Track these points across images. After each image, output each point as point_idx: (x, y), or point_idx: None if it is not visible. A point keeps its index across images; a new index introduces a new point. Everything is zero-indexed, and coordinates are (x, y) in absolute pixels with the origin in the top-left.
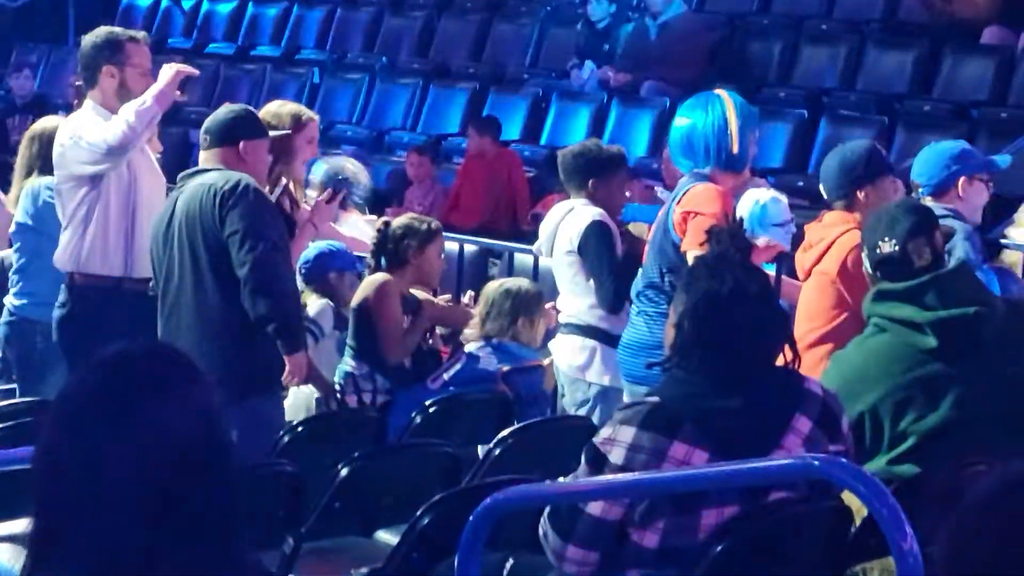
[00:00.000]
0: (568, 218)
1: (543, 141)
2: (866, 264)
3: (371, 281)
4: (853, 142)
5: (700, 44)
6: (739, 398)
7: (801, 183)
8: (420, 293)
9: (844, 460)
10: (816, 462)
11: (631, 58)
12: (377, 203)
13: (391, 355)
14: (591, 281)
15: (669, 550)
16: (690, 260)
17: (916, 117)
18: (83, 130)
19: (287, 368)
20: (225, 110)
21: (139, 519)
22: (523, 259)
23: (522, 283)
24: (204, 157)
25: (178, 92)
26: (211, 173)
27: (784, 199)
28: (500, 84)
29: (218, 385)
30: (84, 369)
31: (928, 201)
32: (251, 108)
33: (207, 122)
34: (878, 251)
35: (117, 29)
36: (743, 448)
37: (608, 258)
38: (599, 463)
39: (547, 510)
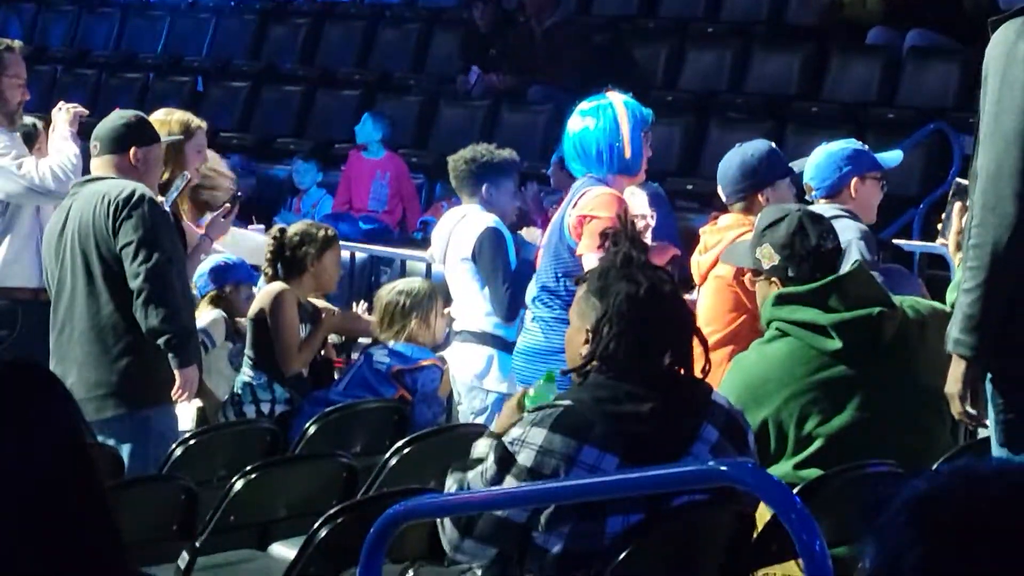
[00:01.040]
0: (461, 224)
1: (431, 147)
2: (759, 264)
3: (268, 291)
4: (752, 143)
5: (585, 48)
6: (650, 404)
7: (691, 187)
8: (319, 302)
9: (751, 464)
10: (724, 467)
11: (517, 62)
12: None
13: (289, 365)
14: (486, 288)
15: (573, 554)
16: (586, 264)
17: (805, 118)
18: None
19: (177, 382)
20: (116, 116)
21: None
22: (415, 266)
23: (414, 283)
24: (96, 164)
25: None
26: (105, 182)
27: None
28: (386, 91)
29: (110, 396)
30: None
31: (822, 203)
32: (142, 114)
33: (97, 129)
34: (763, 258)
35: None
36: (652, 455)
37: (503, 265)
38: (507, 463)
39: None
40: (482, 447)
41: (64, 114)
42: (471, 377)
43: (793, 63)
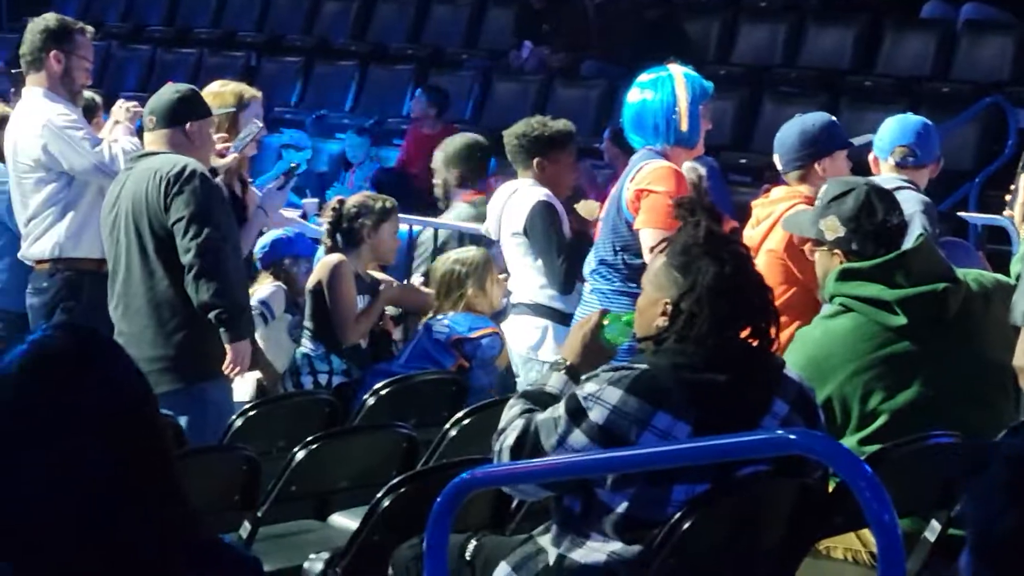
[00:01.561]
0: (513, 199)
1: (484, 122)
2: (821, 235)
3: (325, 262)
4: (811, 114)
5: (638, 22)
6: (726, 375)
7: (744, 160)
8: (378, 274)
9: (823, 435)
10: (794, 436)
11: (570, 37)
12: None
13: (345, 336)
14: (539, 261)
15: (635, 519)
16: (643, 238)
17: (859, 93)
18: (73, 128)
19: (228, 356)
20: (170, 90)
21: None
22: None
23: (468, 252)
24: (150, 139)
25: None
26: (157, 157)
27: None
28: (439, 66)
29: (167, 371)
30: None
31: (887, 171)
32: (195, 88)
33: (151, 103)
34: (827, 230)
35: (67, 17)
36: (723, 426)
37: (556, 239)
38: (579, 417)
39: (508, 438)
40: (555, 380)
41: (124, 112)
42: (526, 349)
43: (847, 37)
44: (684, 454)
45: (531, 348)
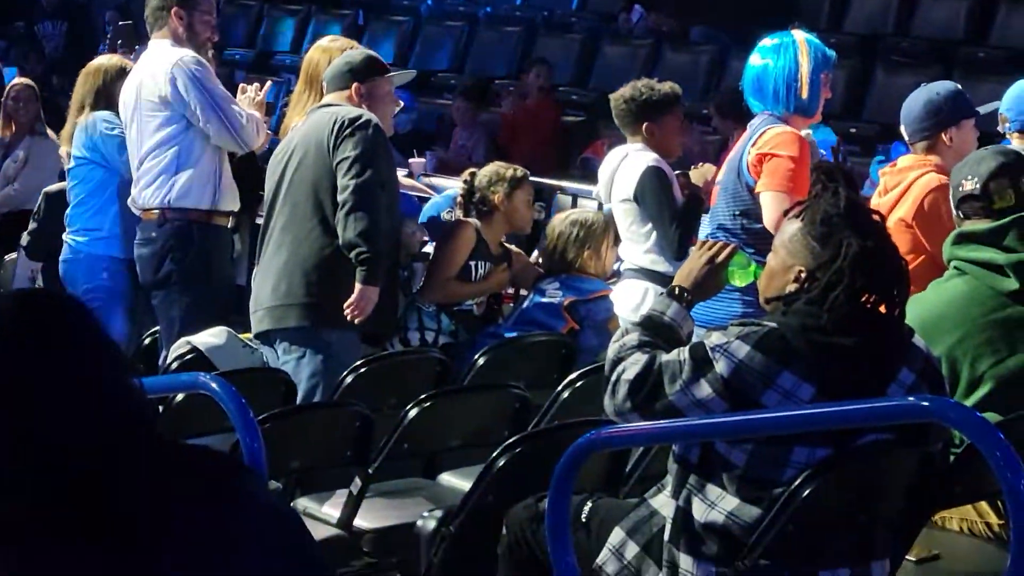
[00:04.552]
0: (624, 165)
1: (592, 85)
2: (952, 204)
3: (454, 224)
4: (937, 83)
5: None
6: (855, 340)
7: (855, 129)
8: (515, 250)
9: (956, 402)
10: (926, 403)
11: (679, 2)
12: (422, 144)
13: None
14: (648, 227)
15: (753, 477)
16: (763, 202)
17: (972, 63)
18: (204, 73)
19: (354, 296)
20: (343, 56)
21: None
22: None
23: (587, 214)
24: (328, 99)
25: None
26: (340, 107)
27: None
28: (548, 28)
29: (295, 307)
30: None
31: (1016, 137)
32: (367, 52)
33: (325, 73)
34: (960, 189)
35: None
36: (849, 390)
37: (668, 204)
38: (704, 367)
39: (628, 371)
40: (673, 311)
41: (248, 96)
42: (628, 311)
43: (960, 8)
44: (814, 418)
45: (631, 310)
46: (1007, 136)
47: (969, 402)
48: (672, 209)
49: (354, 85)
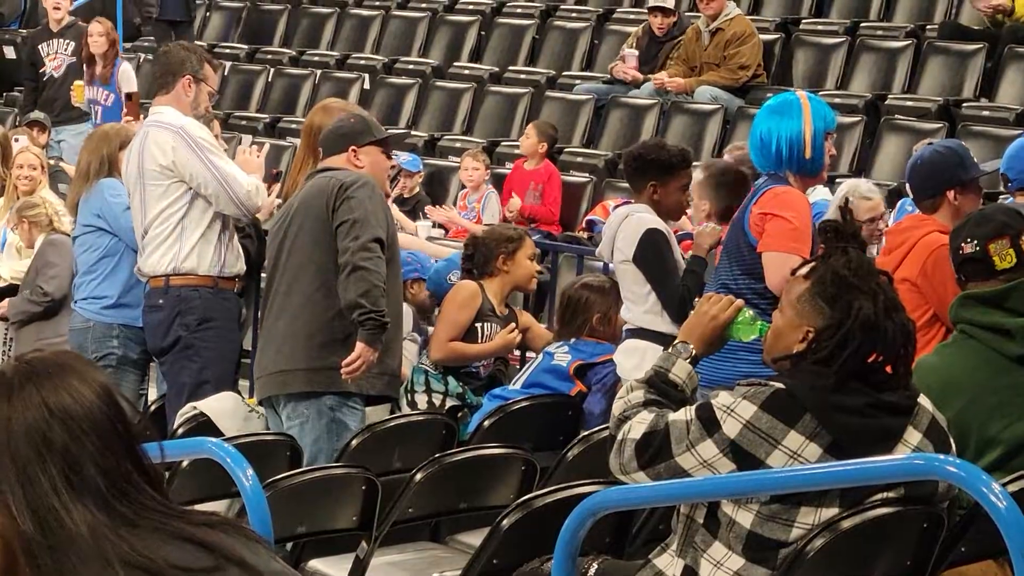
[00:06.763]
0: (623, 226)
1: (600, 147)
2: (953, 267)
3: (457, 284)
4: (941, 141)
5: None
6: (863, 400)
7: None
8: (525, 315)
9: (964, 462)
10: (930, 460)
11: (685, 61)
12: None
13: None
14: (647, 288)
15: (758, 538)
16: (766, 262)
17: (972, 121)
18: (208, 144)
19: (353, 354)
20: (336, 121)
21: None
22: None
23: (599, 279)
24: (324, 164)
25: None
26: (340, 171)
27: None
28: (555, 90)
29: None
30: None
31: (1018, 195)
32: (359, 115)
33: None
34: (961, 252)
35: (200, 46)
36: (855, 449)
37: (667, 266)
38: (711, 427)
39: (634, 430)
40: (679, 369)
41: (254, 165)
42: (628, 372)
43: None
44: (818, 477)
45: (631, 371)
46: (1010, 195)
47: (980, 466)
48: (673, 270)
49: (350, 148)
